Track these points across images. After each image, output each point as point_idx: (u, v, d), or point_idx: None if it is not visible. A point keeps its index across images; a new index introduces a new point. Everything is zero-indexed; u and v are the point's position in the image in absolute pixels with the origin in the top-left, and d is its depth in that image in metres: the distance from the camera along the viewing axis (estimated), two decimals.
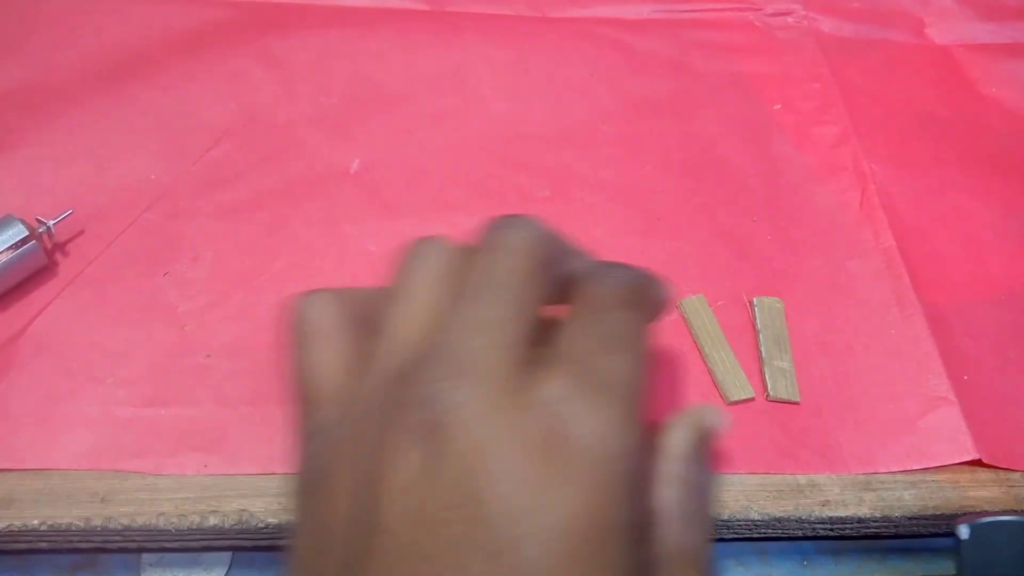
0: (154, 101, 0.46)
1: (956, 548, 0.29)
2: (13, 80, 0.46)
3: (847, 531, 0.34)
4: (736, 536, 0.34)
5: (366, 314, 0.21)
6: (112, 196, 0.42)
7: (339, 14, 0.53)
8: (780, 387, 0.37)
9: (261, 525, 0.32)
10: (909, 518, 0.34)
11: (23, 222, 0.36)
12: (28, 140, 0.44)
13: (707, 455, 0.23)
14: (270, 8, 0.52)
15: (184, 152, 0.44)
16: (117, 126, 0.45)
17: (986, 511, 0.30)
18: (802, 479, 0.35)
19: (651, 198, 0.45)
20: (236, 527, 0.32)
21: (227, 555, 0.34)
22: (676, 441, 0.22)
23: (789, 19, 0.57)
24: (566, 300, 0.21)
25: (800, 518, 0.33)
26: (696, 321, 0.39)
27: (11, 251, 0.36)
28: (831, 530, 0.34)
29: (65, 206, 0.41)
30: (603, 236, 0.43)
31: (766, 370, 0.37)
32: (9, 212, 0.37)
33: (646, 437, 0.20)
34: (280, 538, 0.32)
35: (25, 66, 0.47)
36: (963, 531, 0.28)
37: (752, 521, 0.33)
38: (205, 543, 0.32)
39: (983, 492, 0.35)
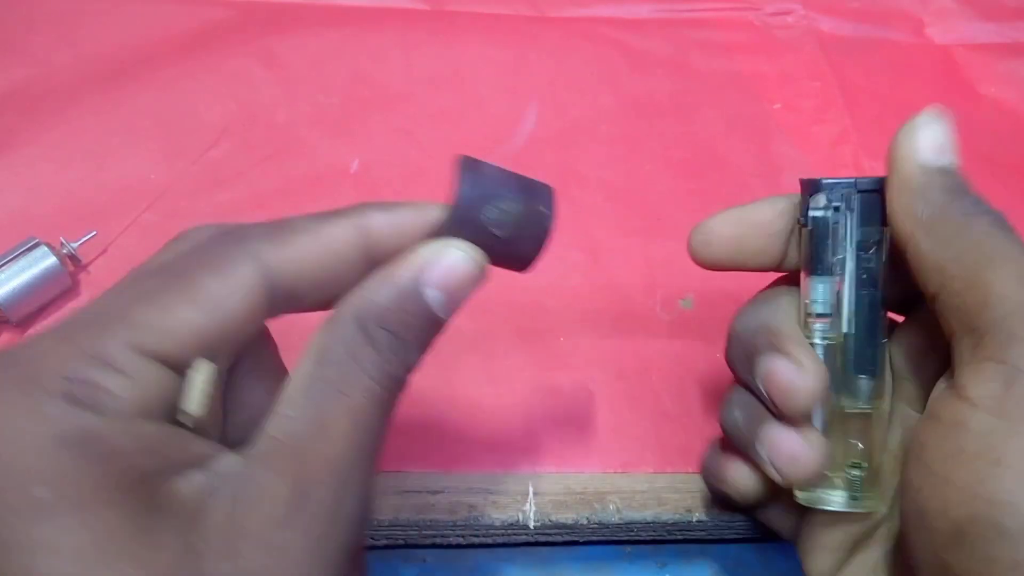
0: (154, 101, 0.46)
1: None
2: (13, 80, 0.46)
3: None
4: (737, 536, 0.34)
5: None
6: (112, 196, 0.42)
7: (339, 14, 0.53)
8: None
9: None
10: None
11: (50, 247, 0.37)
12: (28, 140, 0.44)
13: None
14: (270, 8, 0.52)
15: (184, 152, 0.44)
16: (117, 126, 0.45)
17: None
18: None
19: (651, 198, 0.45)
20: None
21: None
22: None
23: (789, 19, 0.57)
24: None
25: None
26: None
27: (39, 279, 0.36)
28: None
29: (65, 206, 0.41)
30: (603, 236, 0.43)
31: None
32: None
33: None
34: None
35: (25, 66, 0.47)
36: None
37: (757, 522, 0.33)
38: None
39: None
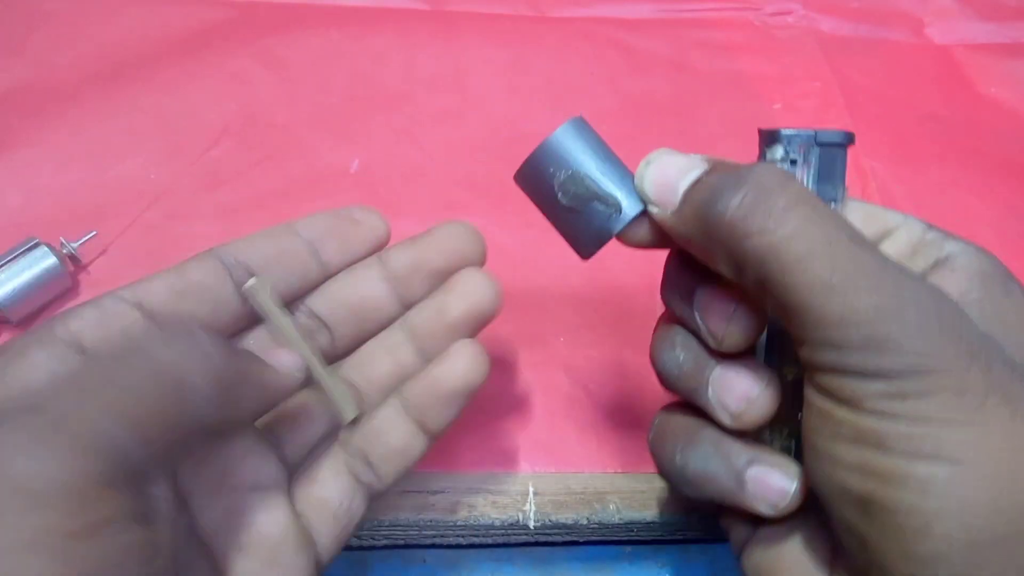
0: (154, 101, 0.46)
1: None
2: (13, 80, 0.46)
3: None
4: None
5: None
6: (112, 196, 0.42)
7: (339, 14, 0.53)
8: None
9: None
10: None
11: (50, 247, 0.37)
12: (28, 140, 0.44)
13: None
14: (270, 8, 0.52)
15: (184, 152, 0.44)
16: (117, 126, 0.45)
17: None
18: None
19: None
20: None
21: None
22: None
23: (789, 19, 0.57)
24: None
25: None
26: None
27: (39, 279, 0.36)
28: None
29: (65, 206, 0.41)
30: None
31: None
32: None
33: None
34: None
35: (25, 66, 0.47)
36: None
37: None
38: None
39: None
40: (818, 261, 0.21)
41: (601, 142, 0.25)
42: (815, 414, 0.22)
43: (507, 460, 0.35)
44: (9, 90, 0.46)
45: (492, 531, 0.33)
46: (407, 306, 0.30)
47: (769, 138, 0.26)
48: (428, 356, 0.29)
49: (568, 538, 0.34)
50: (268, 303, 0.27)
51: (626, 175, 0.25)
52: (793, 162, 0.25)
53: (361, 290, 0.29)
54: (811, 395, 0.22)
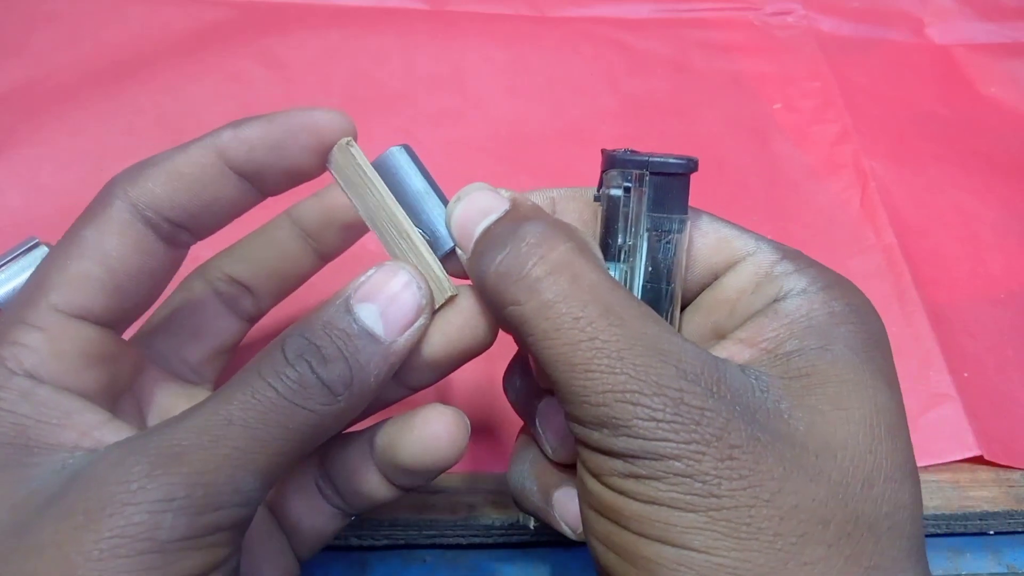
0: (154, 101, 0.46)
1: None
2: (13, 80, 0.46)
3: None
4: None
5: None
6: None
7: (339, 14, 0.53)
8: None
9: None
10: None
11: (50, 247, 0.36)
12: (28, 140, 0.44)
13: None
14: (270, 8, 0.52)
15: None
16: (117, 126, 0.45)
17: None
18: None
19: None
20: None
21: None
22: None
23: (789, 19, 0.57)
24: None
25: None
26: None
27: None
28: None
29: (65, 206, 0.41)
30: None
31: None
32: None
33: None
34: None
35: (25, 66, 0.47)
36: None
37: None
38: None
39: (983, 492, 0.35)
40: (563, 338, 0.20)
41: (420, 174, 0.24)
42: (578, 480, 0.22)
43: (507, 460, 0.35)
44: (9, 90, 0.46)
45: (492, 531, 0.33)
46: (325, 260, 0.30)
47: (607, 161, 0.24)
48: None
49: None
50: (367, 164, 0.23)
51: (442, 210, 0.24)
52: (627, 188, 0.24)
53: (277, 249, 0.29)
54: (578, 461, 0.22)
